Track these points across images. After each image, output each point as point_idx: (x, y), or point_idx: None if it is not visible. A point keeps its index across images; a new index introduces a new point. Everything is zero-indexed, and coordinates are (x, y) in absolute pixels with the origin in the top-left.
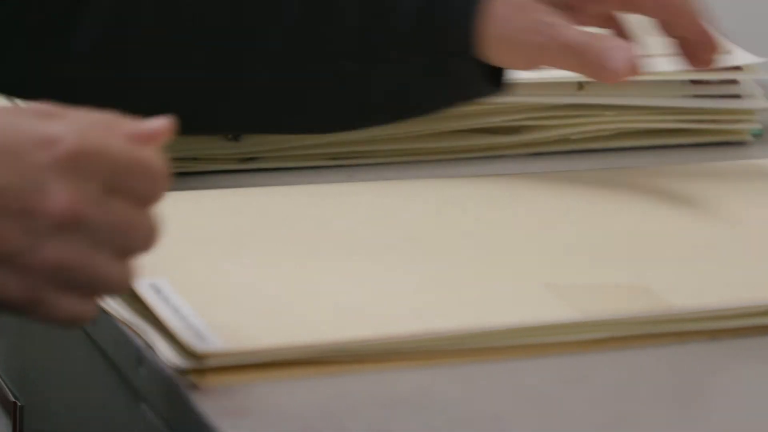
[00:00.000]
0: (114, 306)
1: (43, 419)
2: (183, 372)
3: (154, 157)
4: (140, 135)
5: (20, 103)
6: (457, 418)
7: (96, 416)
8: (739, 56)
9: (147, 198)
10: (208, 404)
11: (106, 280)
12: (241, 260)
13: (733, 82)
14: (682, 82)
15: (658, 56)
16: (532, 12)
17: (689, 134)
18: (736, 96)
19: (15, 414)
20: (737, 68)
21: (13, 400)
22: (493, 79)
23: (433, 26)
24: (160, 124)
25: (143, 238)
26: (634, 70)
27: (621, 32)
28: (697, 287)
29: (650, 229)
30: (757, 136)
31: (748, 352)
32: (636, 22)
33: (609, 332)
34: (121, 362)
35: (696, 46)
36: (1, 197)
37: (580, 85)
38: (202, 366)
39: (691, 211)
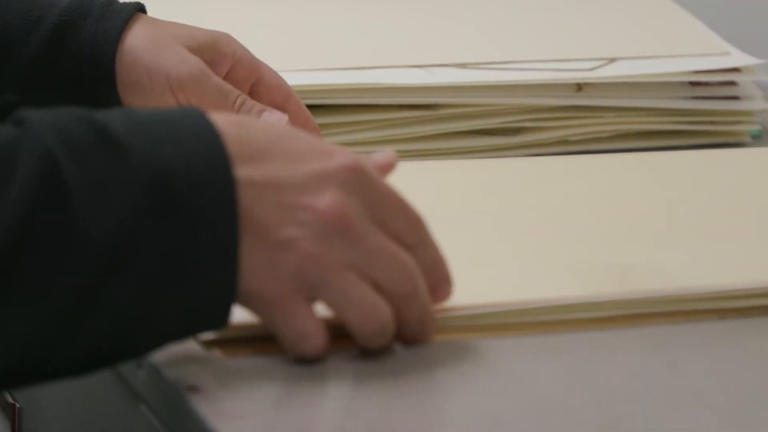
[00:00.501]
0: None
1: (41, 421)
2: (206, 343)
3: (413, 204)
4: (378, 166)
5: None
6: (456, 418)
7: (95, 417)
8: (737, 58)
9: (405, 239)
10: (206, 406)
11: (350, 301)
12: None
13: (732, 83)
14: (681, 84)
15: (658, 57)
16: (170, 46)
17: (688, 136)
18: (735, 97)
19: (14, 416)
20: (736, 70)
21: (12, 401)
22: None
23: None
24: (389, 156)
25: (398, 278)
26: None
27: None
28: (707, 269)
29: (661, 214)
30: (756, 137)
31: (755, 329)
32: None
33: (622, 310)
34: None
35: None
36: (284, 191)
37: (579, 87)
38: (226, 336)
39: (705, 195)
